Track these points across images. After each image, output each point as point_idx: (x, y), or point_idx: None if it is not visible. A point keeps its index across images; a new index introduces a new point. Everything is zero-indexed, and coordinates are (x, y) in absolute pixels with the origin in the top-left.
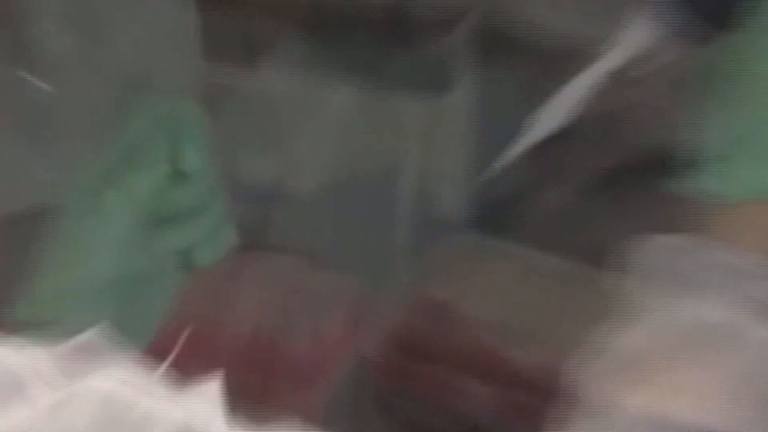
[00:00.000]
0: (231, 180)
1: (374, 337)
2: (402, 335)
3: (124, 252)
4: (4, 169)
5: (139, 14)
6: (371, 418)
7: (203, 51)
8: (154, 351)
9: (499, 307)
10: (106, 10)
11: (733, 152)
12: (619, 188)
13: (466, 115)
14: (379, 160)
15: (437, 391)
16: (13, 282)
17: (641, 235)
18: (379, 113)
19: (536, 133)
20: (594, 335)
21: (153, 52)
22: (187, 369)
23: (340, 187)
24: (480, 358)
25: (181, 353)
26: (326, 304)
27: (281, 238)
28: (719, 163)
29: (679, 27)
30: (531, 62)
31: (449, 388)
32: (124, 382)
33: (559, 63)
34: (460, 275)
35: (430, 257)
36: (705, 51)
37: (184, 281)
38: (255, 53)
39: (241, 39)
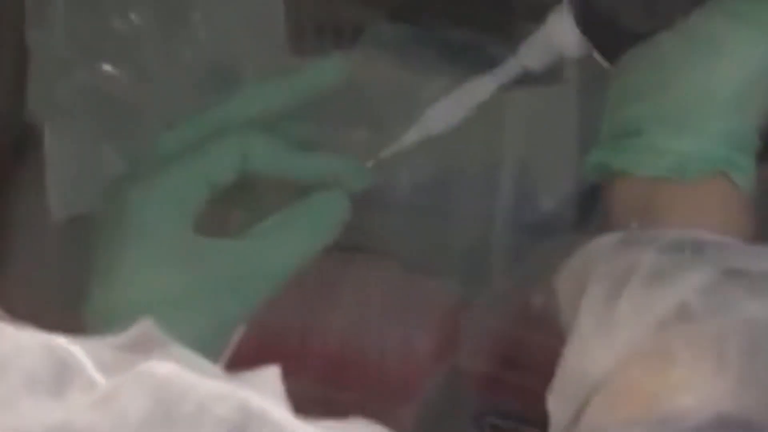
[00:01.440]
0: None
1: (471, 347)
2: (501, 344)
3: (192, 256)
4: (84, 167)
5: (228, 3)
6: None
7: (290, 38)
8: (233, 361)
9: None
10: (197, 1)
11: (651, 130)
12: None
13: (573, 107)
14: (478, 156)
15: (537, 405)
16: (82, 284)
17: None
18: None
19: (432, 127)
20: None
21: (238, 40)
22: None
23: (436, 185)
24: None
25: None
26: (420, 311)
27: (374, 239)
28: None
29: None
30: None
31: None
32: (181, 368)
33: None
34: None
35: (532, 261)
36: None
37: (265, 288)
38: (345, 40)
39: (330, 25)
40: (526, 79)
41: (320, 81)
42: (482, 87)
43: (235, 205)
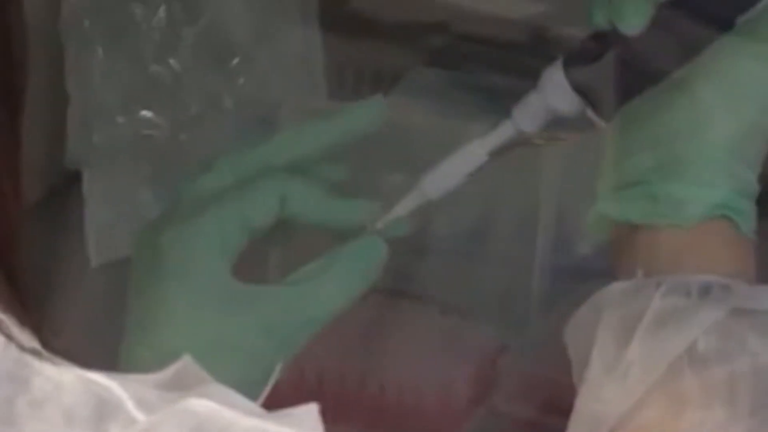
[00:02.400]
0: None
1: (509, 391)
2: (539, 389)
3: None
4: (122, 212)
5: (267, 48)
6: None
7: (329, 83)
8: (272, 400)
9: None
10: (236, 45)
11: (651, 179)
12: None
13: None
14: (516, 202)
15: None
16: (120, 327)
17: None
18: (518, 150)
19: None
20: None
21: (277, 86)
22: None
23: (476, 231)
24: None
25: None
26: (459, 355)
27: (413, 284)
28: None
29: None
30: None
31: None
32: (220, 405)
33: None
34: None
35: (569, 305)
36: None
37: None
38: (384, 85)
39: (369, 70)
40: (561, 125)
41: (359, 124)
42: (477, 152)
43: (275, 246)
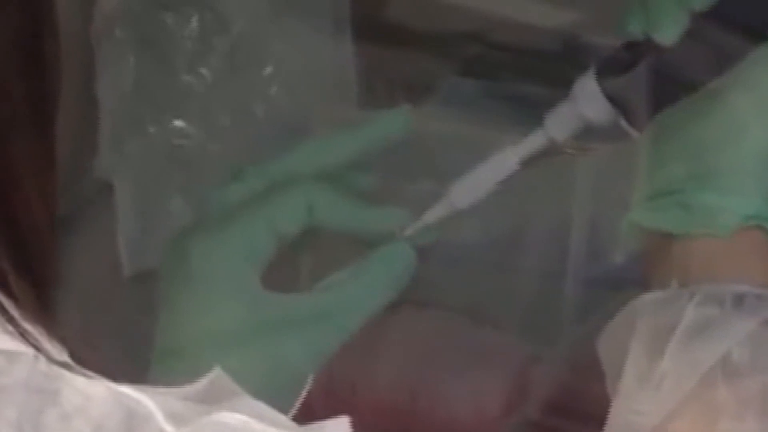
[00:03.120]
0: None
1: (541, 401)
2: (571, 399)
3: (260, 311)
4: (154, 222)
5: (299, 57)
6: None
7: (360, 93)
8: (303, 413)
9: None
10: (268, 54)
11: (685, 189)
12: None
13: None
14: (549, 211)
15: None
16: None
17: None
18: (550, 159)
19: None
20: None
21: (309, 95)
22: None
23: (508, 240)
24: None
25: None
26: (491, 365)
27: (445, 293)
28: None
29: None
30: None
31: None
32: (252, 419)
33: None
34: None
35: (601, 316)
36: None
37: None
38: (416, 95)
39: (401, 80)
40: (594, 134)
41: (385, 133)
42: (508, 160)
43: (305, 254)
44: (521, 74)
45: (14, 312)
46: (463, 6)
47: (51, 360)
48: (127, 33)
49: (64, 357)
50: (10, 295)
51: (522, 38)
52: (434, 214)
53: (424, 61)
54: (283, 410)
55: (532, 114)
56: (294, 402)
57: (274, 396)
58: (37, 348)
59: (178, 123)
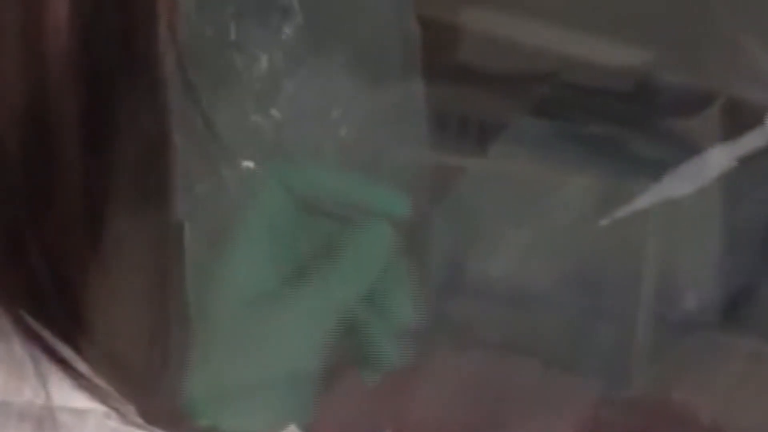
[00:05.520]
0: (453, 274)
1: None
2: None
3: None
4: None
5: (369, 98)
6: None
7: (432, 133)
8: None
9: (749, 418)
10: (337, 95)
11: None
12: None
13: (716, 204)
14: (622, 252)
15: None
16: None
17: None
18: (621, 199)
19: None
20: None
21: (379, 136)
22: None
23: (580, 282)
24: None
25: None
26: (561, 407)
27: (517, 336)
28: None
29: None
30: None
31: None
32: None
33: None
34: (706, 381)
35: (672, 359)
36: None
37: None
38: (487, 134)
39: (473, 120)
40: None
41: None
42: (722, 158)
43: None
44: (593, 114)
45: (83, 368)
46: (534, 46)
47: (122, 418)
48: (197, 72)
49: (134, 415)
50: (80, 350)
51: (593, 78)
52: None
53: (495, 101)
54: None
55: (603, 154)
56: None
57: (292, 382)
58: (112, 407)
59: (249, 164)
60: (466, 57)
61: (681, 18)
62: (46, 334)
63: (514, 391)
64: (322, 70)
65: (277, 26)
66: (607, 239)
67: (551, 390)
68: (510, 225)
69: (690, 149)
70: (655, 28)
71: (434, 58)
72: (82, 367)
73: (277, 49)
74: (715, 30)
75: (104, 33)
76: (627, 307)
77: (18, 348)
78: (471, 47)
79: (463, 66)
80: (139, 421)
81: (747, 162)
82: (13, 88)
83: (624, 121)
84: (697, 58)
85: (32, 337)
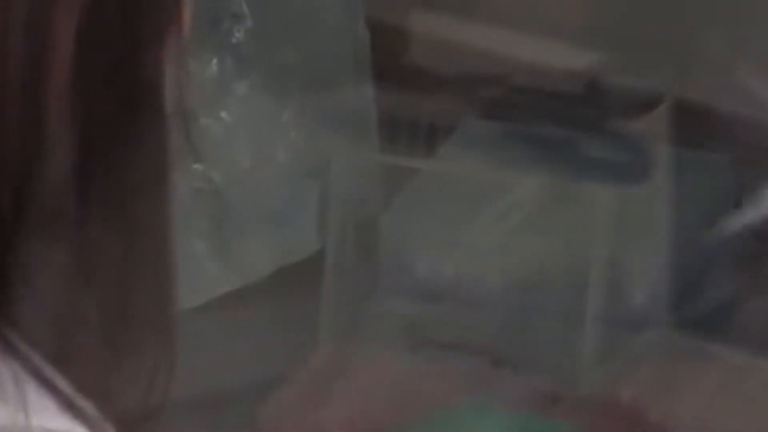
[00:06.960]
0: (406, 274)
1: None
2: None
3: None
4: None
5: (319, 101)
6: None
7: (382, 135)
8: None
9: (700, 417)
10: (287, 99)
11: None
12: None
13: (663, 204)
14: (568, 252)
15: None
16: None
17: None
18: (570, 201)
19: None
20: None
21: (330, 139)
22: None
23: (525, 282)
24: None
25: None
26: (512, 406)
27: (465, 335)
28: None
29: None
30: (738, 145)
31: None
32: None
33: None
34: (655, 380)
35: (621, 359)
36: None
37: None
38: (437, 136)
39: (422, 122)
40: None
41: None
42: None
43: None
44: (542, 116)
45: (66, 388)
46: (484, 49)
47: None
48: None
49: None
50: (66, 372)
51: (542, 81)
52: (749, 213)
53: (445, 103)
54: None
55: (552, 155)
56: None
57: None
58: (90, 427)
59: (198, 167)
60: (416, 60)
61: (629, 21)
62: (28, 352)
63: (462, 389)
64: (272, 73)
65: (228, 30)
66: (556, 239)
67: (500, 390)
68: (460, 225)
69: (638, 150)
70: (604, 32)
71: (384, 62)
72: (64, 387)
73: (228, 53)
74: (662, 32)
75: (109, 69)
76: (575, 306)
77: None
78: (421, 50)
79: (413, 69)
80: None
81: (693, 162)
82: (12, 120)
83: (573, 122)
84: (645, 61)
85: (13, 356)
